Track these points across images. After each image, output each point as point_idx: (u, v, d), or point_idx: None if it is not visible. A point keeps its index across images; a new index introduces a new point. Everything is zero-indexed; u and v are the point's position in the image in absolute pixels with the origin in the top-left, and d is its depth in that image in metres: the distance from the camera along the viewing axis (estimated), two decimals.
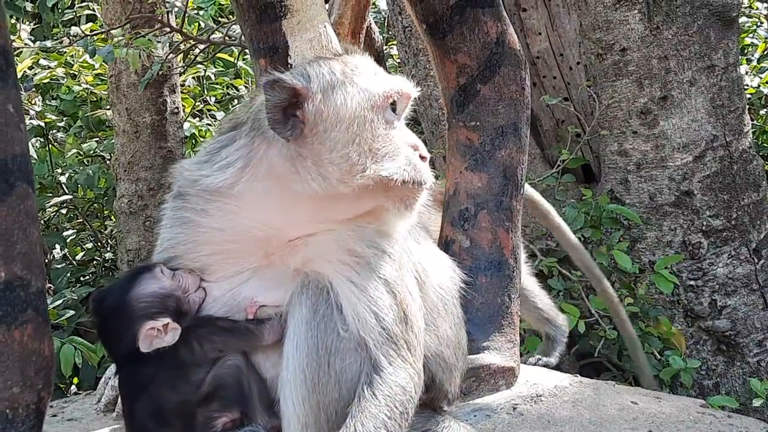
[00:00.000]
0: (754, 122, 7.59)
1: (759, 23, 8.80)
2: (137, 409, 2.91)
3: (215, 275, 3.01)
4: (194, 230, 2.99)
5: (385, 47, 8.32)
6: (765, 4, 9.03)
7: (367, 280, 2.85)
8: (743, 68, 7.54)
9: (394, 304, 2.85)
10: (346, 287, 2.83)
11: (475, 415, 3.53)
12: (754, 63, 8.54)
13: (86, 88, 8.55)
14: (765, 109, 8.12)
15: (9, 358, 2.43)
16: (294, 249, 2.91)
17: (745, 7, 8.61)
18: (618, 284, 5.91)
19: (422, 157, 2.92)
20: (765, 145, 7.70)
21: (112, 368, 3.69)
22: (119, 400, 3.21)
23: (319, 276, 2.86)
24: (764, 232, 6.08)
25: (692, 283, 5.94)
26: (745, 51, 8.69)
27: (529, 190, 4.87)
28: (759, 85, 7.95)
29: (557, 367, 4.76)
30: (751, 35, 8.74)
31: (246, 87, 9.34)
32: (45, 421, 2.57)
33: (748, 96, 7.28)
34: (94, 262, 8.45)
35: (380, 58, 5.98)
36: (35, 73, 8.46)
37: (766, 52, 8.68)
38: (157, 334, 2.88)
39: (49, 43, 8.32)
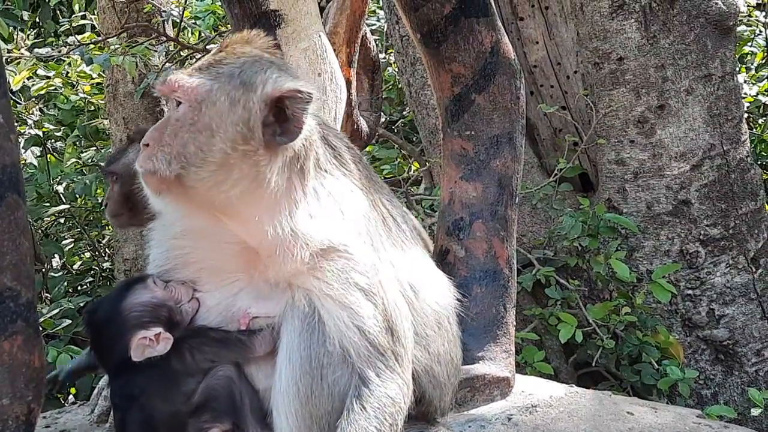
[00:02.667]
0: (752, 131, 7.58)
1: (758, 32, 8.79)
2: (128, 419, 2.90)
3: (207, 287, 3.01)
4: (179, 250, 3.00)
5: (383, 55, 8.33)
6: (764, 13, 9.02)
7: (344, 293, 2.81)
8: (742, 77, 7.52)
9: (377, 315, 2.83)
10: (325, 302, 2.81)
11: (469, 426, 3.50)
12: (753, 72, 8.53)
13: (84, 98, 8.57)
14: (763, 118, 8.12)
15: None
16: (269, 264, 2.87)
17: (744, 16, 8.60)
18: (616, 293, 5.89)
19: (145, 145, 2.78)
20: (763, 154, 7.69)
21: (106, 378, 3.68)
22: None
23: (305, 291, 2.84)
24: (762, 241, 6.06)
25: (690, 292, 5.92)
26: (744, 59, 8.68)
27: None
28: (757, 94, 7.93)
29: (554, 377, 4.73)
30: (749, 44, 8.73)
31: None
32: None
33: (747, 105, 7.26)
34: (92, 271, 8.44)
35: (376, 67, 5.98)
36: (33, 83, 8.47)
37: (764, 61, 8.67)
38: (149, 344, 2.88)
39: (46, 51, 8.33)
